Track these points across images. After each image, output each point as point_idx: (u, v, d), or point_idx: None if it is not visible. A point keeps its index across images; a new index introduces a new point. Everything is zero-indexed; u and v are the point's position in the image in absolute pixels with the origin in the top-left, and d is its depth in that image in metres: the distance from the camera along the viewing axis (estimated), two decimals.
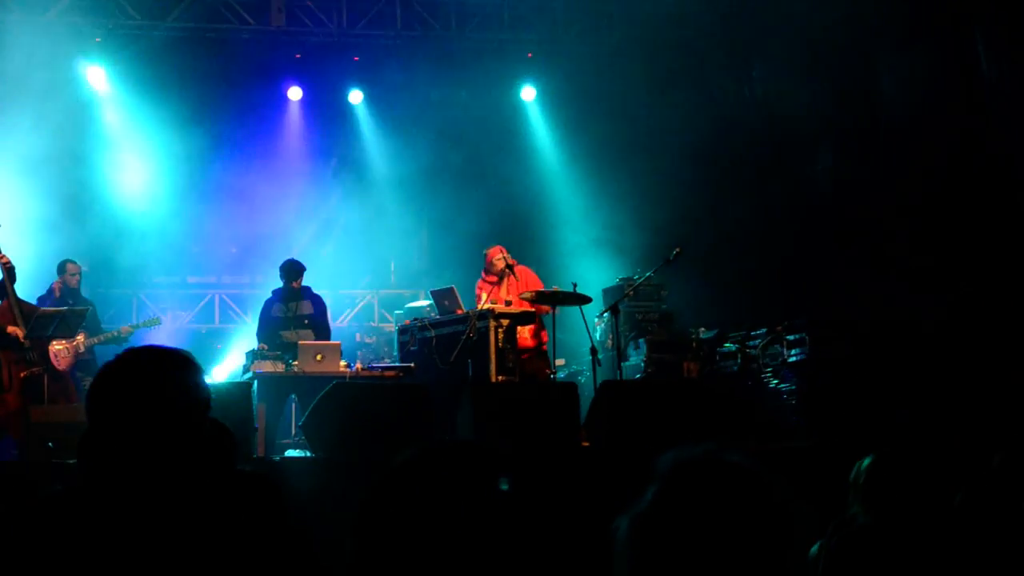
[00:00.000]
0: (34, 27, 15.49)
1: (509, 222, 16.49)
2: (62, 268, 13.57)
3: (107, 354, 13.18)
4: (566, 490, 7.86)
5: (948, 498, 4.44)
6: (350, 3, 16.84)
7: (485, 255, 13.41)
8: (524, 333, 12.82)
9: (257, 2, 16.52)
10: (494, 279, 13.24)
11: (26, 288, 12.40)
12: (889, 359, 11.45)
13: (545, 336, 13.11)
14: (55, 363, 12.38)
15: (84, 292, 13.87)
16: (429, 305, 14.11)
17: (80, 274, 13.70)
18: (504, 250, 13.28)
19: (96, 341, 13.05)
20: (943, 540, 4.18)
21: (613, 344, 13.51)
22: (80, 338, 12.79)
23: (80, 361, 12.96)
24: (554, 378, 12.59)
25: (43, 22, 15.56)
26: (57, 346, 12.38)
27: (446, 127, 17.09)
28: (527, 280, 13.18)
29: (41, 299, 13.16)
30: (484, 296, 13.01)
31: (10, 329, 11.23)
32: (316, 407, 9.76)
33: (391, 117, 17.82)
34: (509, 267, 13.09)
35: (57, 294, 13.35)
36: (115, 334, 13.27)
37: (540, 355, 13.06)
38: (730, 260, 15.46)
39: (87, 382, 12.85)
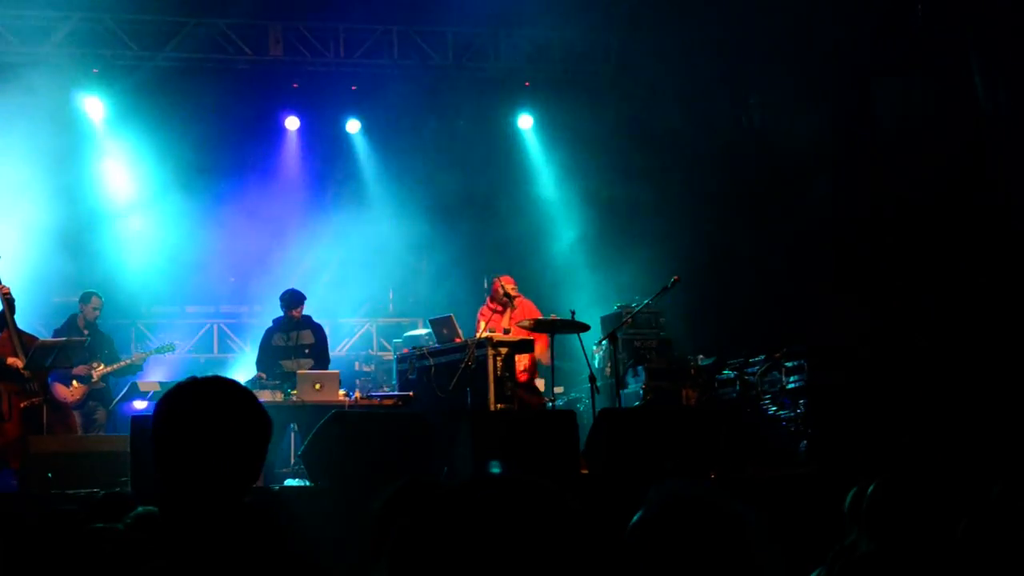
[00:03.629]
0: (32, 58, 15.54)
1: (507, 250, 16.50)
2: (86, 299, 13.61)
3: (121, 384, 13.34)
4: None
5: (951, 526, 4.44)
6: (348, 33, 16.88)
7: (492, 282, 13.45)
8: (520, 366, 12.82)
9: (255, 32, 16.56)
10: (497, 307, 13.28)
11: (25, 318, 12.42)
12: (888, 385, 11.45)
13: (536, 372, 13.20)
14: (67, 396, 12.43)
15: (100, 327, 13.88)
16: (428, 334, 14.11)
17: (101, 308, 13.72)
18: (512, 281, 13.35)
19: (111, 370, 13.14)
20: (946, 568, 4.18)
21: (612, 372, 13.52)
22: (100, 368, 12.90)
23: (94, 391, 13.03)
24: (552, 406, 12.59)
25: (41, 53, 15.60)
26: (73, 380, 12.54)
27: (444, 156, 17.11)
28: (527, 311, 13.21)
29: (57, 332, 13.22)
30: (483, 324, 13.02)
31: (10, 360, 11.24)
32: (315, 436, 9.76)
33: (389, 146, 17.82)
34: (510, 298, 13.13)
35: (81, 324, 13.38)
36: (129, 362, 13.37)
37: (530, 390, 13.07)
38: (728, 287, 15.46)
39: (99, 412, 12.95)
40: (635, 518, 2.25)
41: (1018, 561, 4.45)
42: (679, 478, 2.31)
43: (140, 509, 4.88)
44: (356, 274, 17.79)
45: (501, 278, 13.41)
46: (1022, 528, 4.60)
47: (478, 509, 1.93)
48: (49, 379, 12.04)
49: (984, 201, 12.84)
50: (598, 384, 12.19)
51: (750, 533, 2.18)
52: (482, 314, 13.44)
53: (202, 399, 2.94)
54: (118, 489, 8.80)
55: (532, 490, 2.06)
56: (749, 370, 12.94)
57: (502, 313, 13.23)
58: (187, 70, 16.49)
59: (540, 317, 13.02)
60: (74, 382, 12.92)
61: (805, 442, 11.57)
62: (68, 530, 4.33)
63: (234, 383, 3.04)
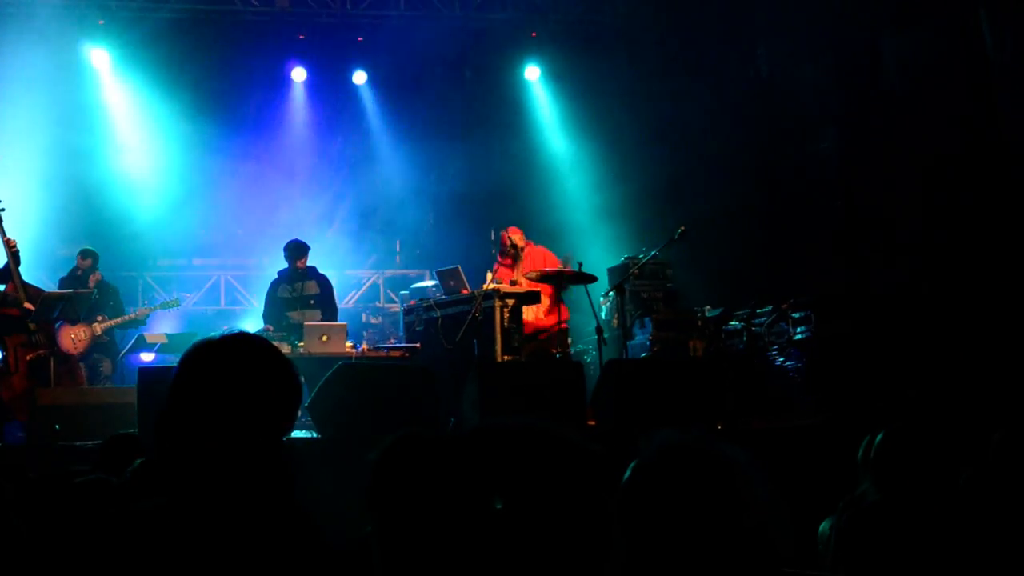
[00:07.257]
0: (38, 8, 15.48)
1: (514, 202, 16.47)
2: (83, 255, 13.62)
3: (126, 337, 13.33)
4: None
5: (955, 475, 4.44)
6: None
7: (499, 235, 13.41)
8: (539, 313, 12.81)
9: None
10: (508, 261, 13.23)
11: (30, 271, 12.42)
12: (894, 336, 11.44)
13: (566, 314, 13.05)
14: (72, 347, 12.42)
15: (107, 279, 13.87)
16: (435, 285, 14.10)
17: (89, 269, 13.65)
18: (518, 232, 13.28)
19: (114, 324, 13.14)
20: (951, 517, 4.18)
21: (619, 323, 13.50)
22: (99, 321, 12.90)
23: (98, 344, 13.04)
24: (560, 357, 12.58)
25: (47, 3, 15.54)
26: (74, 332, 12.51)
27: (450, 107, 17.06)
28: (542, 259, 13.15)
29: (63, 282, 13.26)
30: (489, 276, 12.98)
31: (26, 305, 11.22)
32: (322, 388, 9.76)
33: (395, 97, 17.79)
34: (517, 249, 13.08)
35: (79, 275, 13.41)
36: (132, 316, 13.37)
37: (562, 333, 12.98)
38: (735, 238, 15.42)
39: (105, 364, 12.96)
40: (628, 469, 2.25)
41: (1019, 509, 4.45)
42: (672, 427, 2.31)
43: (139, 461, 4.87)
44: (363, 226, 17.81)
45: (508, 230, 13.36)
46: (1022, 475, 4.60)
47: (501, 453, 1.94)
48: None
49: (991, 152, 12.76)
50: (605, 336, 12.18)
51: (742, 477, 2.19)
52: (495, 269, 13.40)
53: (238, 356, 2.79)
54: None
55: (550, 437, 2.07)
56: (756, 321, 12.91)
57: (512, 266, 13.18)
58: (193, 21, 16.46)
59: (557, 262, 13.00)
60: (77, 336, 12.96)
61: (812, 393, 11.56)
62: (65, 485, 4.29)
63: (264, 340, 2.91)
